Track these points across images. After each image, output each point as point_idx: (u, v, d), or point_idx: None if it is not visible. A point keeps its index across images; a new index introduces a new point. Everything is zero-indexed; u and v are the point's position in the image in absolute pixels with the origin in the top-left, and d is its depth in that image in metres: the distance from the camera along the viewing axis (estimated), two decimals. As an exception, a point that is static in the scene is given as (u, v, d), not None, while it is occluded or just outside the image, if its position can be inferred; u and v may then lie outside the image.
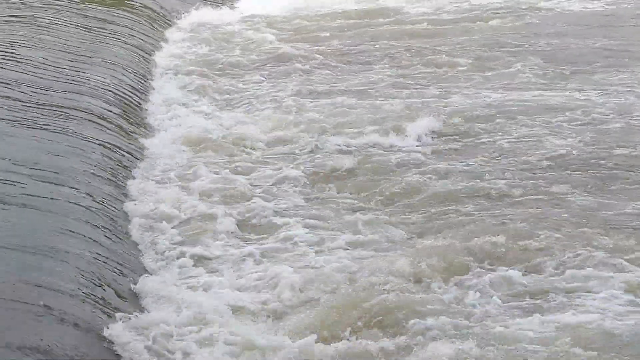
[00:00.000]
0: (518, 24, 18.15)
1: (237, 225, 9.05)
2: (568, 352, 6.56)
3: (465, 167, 10.43)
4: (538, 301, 7.37)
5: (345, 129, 11.80)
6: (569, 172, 10.16)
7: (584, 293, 7.47)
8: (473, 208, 9.26)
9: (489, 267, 7.90)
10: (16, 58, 12.81)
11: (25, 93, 11.37)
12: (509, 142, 11.21)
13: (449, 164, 10.54)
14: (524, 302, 7.35)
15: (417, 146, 11.17)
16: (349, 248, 8.55)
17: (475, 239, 8.29)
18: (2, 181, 8.63)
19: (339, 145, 11.23)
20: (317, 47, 16.64)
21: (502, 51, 15.77)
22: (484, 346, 6.62)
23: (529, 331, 6.85)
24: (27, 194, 8.52)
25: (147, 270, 8.05)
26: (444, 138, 11.46)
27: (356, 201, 9.62)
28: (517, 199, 9.42)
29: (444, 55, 15.50)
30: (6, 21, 14.90)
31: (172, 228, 8.90)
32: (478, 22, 18.31)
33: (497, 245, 8.20)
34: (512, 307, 7.28)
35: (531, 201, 9.35)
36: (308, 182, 10.19)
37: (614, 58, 15.02)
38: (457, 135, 11.51)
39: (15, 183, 8.68)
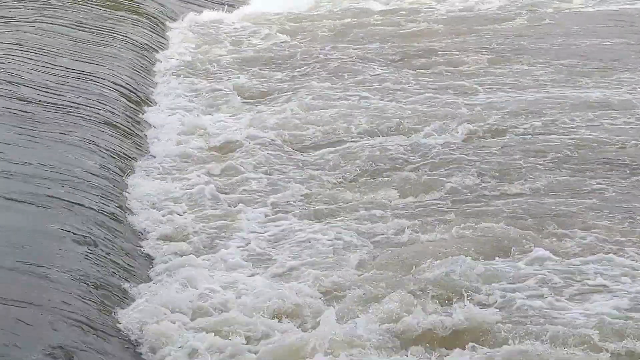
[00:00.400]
0: (541, 24, 18.16)
1: (259, 224, 8.93)
2: (599, 339, 6.56)
3: (493, 162, 10.32)
4: (568, 289, 7.41)
5: (368, 127, 11.61)
6: (598, 165, 10.13)
7: (614, 282, 7.49)
8: (504, 200, 9.22)
9: (519, 254, 7.93)
10: (18, 59, 12.80)
11: (27, 94, 11.36)
12: (535, 137, 11.12)
13: (477, 159, 10.40)
14: (553, 290, 7.38)
15: (443, 143, 10.97)
16: (380, 239, 8.51)
17: (508, 228, 8.39)
18: (3, 180, 8.57)
19: (363, 144, 11.04)
20: (327, 46, 16.54)
21: (525, 50, 15.74)
22: (515, 331, 6.70)
23: (558, 318, 6.91)
24: (31, 193, 8.50)
25: (153, 268, 7.96)
26: (470, 135, 11.28)
27: (387, 200, 9.41)
28: (547, 192, 9.39)
29: (467, 55, 15.42)
30: (8, 22, 14.93)
31: (180, 226, 8.78)
32: (501, 22, 18.35)
33: (527, 235, 8.26)
34: (540, 294, 7.32)
35: (563, 194, 9.34)
36: (335, 180, 10.02)
37: (634, 56, 15.06)
38: (486, 132, 11.36)
39: (16, 183, 8.63)
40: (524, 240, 8.13)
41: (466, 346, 6.51)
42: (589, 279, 7.50)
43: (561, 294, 7.29)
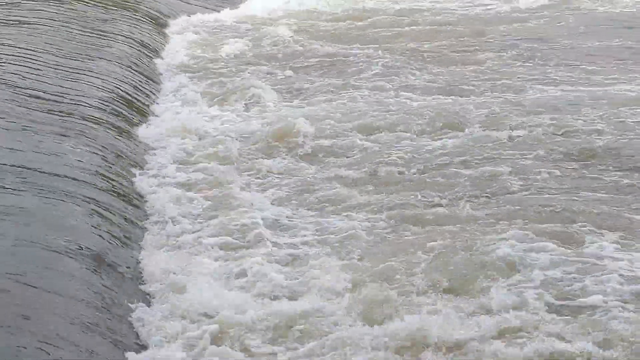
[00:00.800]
0: (562, 24, 18.12)
1: (265, 220, 8.90)
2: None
3: (521, 158, 10.36)
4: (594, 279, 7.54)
5: (387, 126, 11.52)
6: (619, 160, 10.19)
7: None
8: (516, 199, 9.26)
9: (552, 244, 8.03)
10: (18, 59, 12.74)
11: (27, 93, 11.30)
12: (555, 135, 11.10)
13: (504, 155, 10.45)
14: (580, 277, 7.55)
15: (457, 142, 10.91)
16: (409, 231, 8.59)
17: (531, 225, 8.46)
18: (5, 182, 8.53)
19: (386, 143, 10.99)
20: (329, 44, 16.45)
21: (546, 49, 15.72)
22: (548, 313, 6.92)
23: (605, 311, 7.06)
24: (33, 188, 8.48)
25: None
26: (496, 132, 11.22)
27: (416, 195, 9.42)
28: (575, 187, 9.50)
29: (489, 53, 15.42)
30: (7, 22, 14.87)
31: (186, 225, 8.82)
32: (519, 22, 18.35)
33: (554, 228, 8.38)
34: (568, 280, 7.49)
35: (590, 188, 9.46)
36: (358, 179, 9.97)
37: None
38: (510, 129, 11.33)
39: (15, 183, 8.58)
40: (557, 234, 8.18)
41: (509, 337, 6.58)
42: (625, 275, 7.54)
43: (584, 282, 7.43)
